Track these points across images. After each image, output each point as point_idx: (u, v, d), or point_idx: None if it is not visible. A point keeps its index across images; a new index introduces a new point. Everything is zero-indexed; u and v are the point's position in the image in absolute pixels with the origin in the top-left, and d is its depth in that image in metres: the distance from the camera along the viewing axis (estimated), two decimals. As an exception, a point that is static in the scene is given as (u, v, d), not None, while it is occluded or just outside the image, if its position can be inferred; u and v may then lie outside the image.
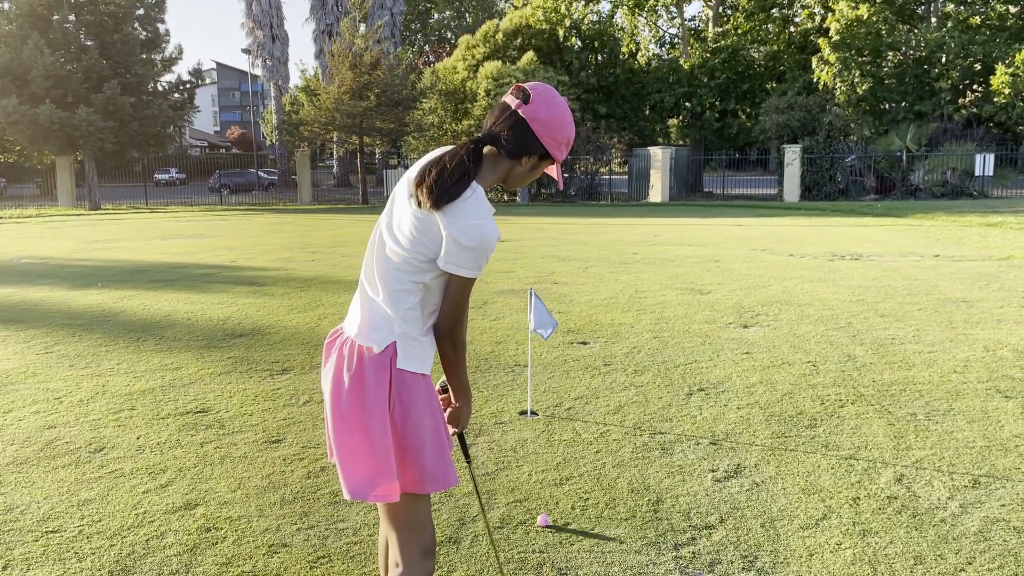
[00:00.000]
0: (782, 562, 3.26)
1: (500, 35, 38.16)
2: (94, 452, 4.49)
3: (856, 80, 34.32)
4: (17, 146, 39.05)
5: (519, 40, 38.19)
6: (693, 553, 3.34)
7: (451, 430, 2.45)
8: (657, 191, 32.79)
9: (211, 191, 42.52)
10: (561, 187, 2.43)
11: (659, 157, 32.88)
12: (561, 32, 39.20)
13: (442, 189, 2.13)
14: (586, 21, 42.07)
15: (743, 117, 41.77)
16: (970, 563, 3.22)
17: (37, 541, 3.46)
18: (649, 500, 3.83)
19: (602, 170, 34.92)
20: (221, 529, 3.58)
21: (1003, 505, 3.72)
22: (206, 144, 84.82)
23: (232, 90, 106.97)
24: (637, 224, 19.63)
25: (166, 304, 8.83)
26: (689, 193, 35.51)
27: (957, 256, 11.88)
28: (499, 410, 5.15)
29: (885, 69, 35.51)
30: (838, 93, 34.66)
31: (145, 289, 9.97)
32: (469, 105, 34.85)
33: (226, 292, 9.63)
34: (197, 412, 5.16)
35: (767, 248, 13.47)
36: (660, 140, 43.10)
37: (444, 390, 2.46)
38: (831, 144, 31.09)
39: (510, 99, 2.22)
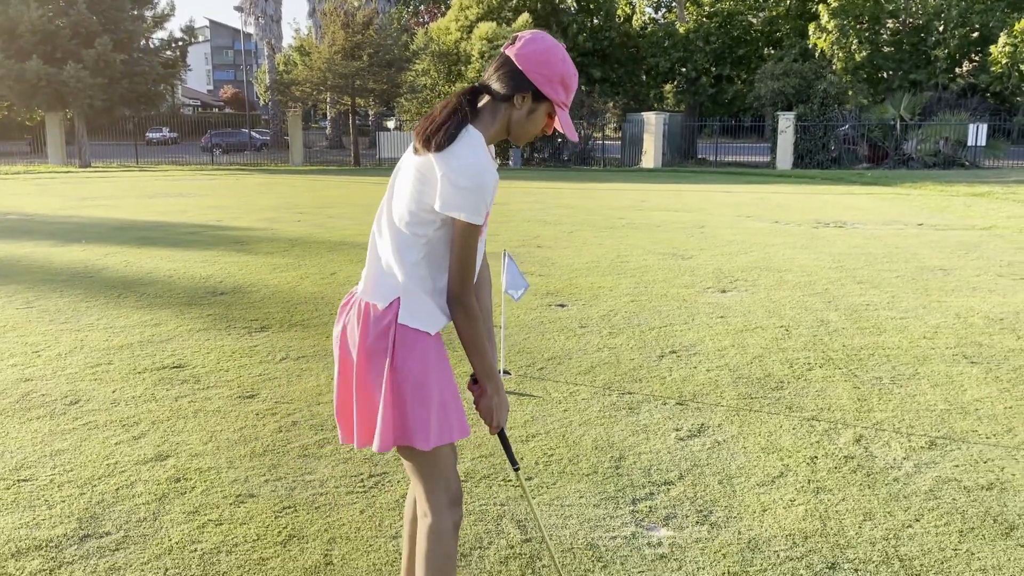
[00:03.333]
0: (735, 517, 3.35)
1: (495, -5, 37.65)
2: (69, 404, 4.55)
3: (854, 48, 34.08)
4: (5, 102, 38.64)
5: (514, 1, 37.72)
6: (650, 508, 3.43)
7: (489, 428, 2.35)
8: (650, 157, 32.70)
9: (203, 151, 42.18)
10: (574, 138, 2.24)
11: (653, 122, 32.73)
12: (556, -7, 38.69)
13: (436, 131, 2.11)
14: (582, -17, 41.51)
15: (738, 83, 41.48)
16: (918, 520, 3.31)
17: (8, 489, 3.53)
18: (612, 457, 3.91)
19: (596, 135, 34.77)
20: (190, 480, 3.65)
21: (956, 466, 3.81)
22: (199, 103, 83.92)
23: (225, 48, 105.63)
24: (626, 189, 19.62)
25: (149, 262, 8.85)
26: (683, 159, 35.43)
27: (940, 225, 11.94)
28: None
29: (883, 36, 35.24)
30: (835, 61, 34.43)
31: (129, 247, 9.98)
32: (463, 67, 34.52)
33: (209, 251, 9.64)
34: (174, 367, 5.21)
35: (753, 215, 13.51)
36: (655, 105, 42.89)
37: (475, 380, 2.32)
38: (825, 112, 30.98)
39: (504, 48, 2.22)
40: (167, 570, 2.93)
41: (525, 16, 35.30)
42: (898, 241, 10.34)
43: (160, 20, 35.55)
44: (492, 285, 2.55)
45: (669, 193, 18.28)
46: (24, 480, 3.61)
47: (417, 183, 2.15)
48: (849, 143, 31.60)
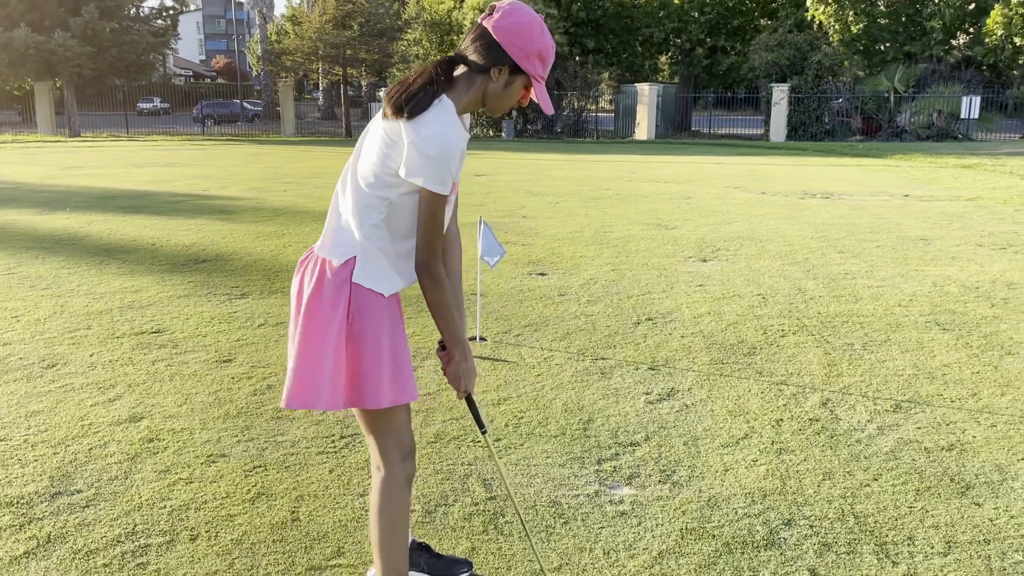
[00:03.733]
0: (697, 476, 3.41)
1: (488, -36, 37.27)
2: (46, 368, 4.59)
3: (850, 19, 33.87)
4: (-6, 71, 38.25)
5: (507, -30, 37.34)
6: (614, 468, 3.49)
7: (456, 393, 2.38)
8: (643, 128, 32.59)
9: (194, 121, 41.89)
10: (549, 111, 2.25)
11: (646, 94, 32.58)
12: (551, -37, 38.25)
13: (408, 98, 2.11)
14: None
15: (733, 54, 41.25)
16: (876, 479, 3.38)
17: (-18, 448, 3.58)
18: (580, 420, 3.97)
19: (589, 107, 34.61)
20: (163, 440, 3.70)
21: (919, 428, 3.88)
22: (191, 73, 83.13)
23: (218, 17, 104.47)
24: (617, 161, 19.58)
25: (132, 229, 8.85)
26: (676, 131, 35.33)
27: (926, 196, 11.97)
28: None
29: (879, 8, 35.01)
30: (832, 32, 34.24)
31: (113, 215, 9.96)
32: (455, 37, 34.23)
33: (194, 219, 9.64)
34: (152, 332, 5.24)
35: (741, 186, 13.52)
36: (649, 77, 42.63)
37: (443, 347, 2.34)
38: (819, 84, 30.88)
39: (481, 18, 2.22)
40: (136, 525, 2.98)
41: (518, -15, 34.95)
42: (882, 212, 10.38)
43: (150, -13, 35.10)
44: (463, 253, 2.58)
45: (659, 165, 18.25)
46: (-2, 440, 3.66)
47: (384, 147, 2.16)
48: (843, 115, 31.53)
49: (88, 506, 3.11)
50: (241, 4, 53.14)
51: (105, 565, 2.73)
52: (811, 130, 30.69)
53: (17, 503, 3.12)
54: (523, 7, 2.20)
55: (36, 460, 3.48)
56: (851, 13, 33.64)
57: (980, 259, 7.46)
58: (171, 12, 36.44)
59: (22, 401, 4.11)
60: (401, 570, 2.32)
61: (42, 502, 3.14)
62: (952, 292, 6.30)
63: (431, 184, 2.11)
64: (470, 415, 4.01)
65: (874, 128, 30.82)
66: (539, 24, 2.18)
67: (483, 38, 2.18)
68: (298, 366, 2.24)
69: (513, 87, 2.22)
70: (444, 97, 2.16)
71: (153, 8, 36.41)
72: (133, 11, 34.70)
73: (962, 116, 28.77)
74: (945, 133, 29.02)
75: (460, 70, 2.22)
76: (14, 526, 2.96)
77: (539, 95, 2.24)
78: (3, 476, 3.32)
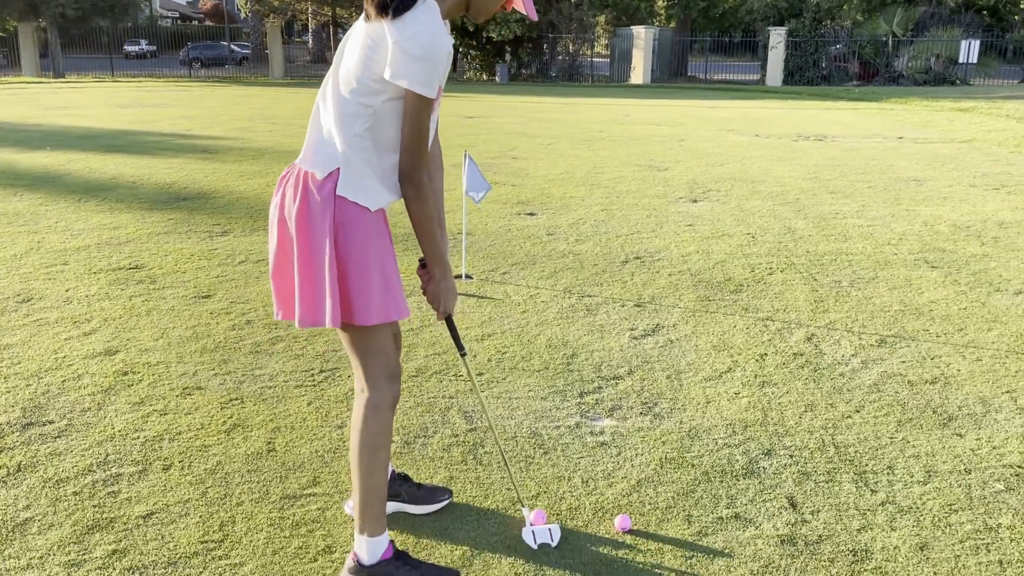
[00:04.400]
0: (679, 408, 3.38)
1: (481, -98, 36.20)
2: (21, 302, 4.51)
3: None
4: (-26, 11, 37.36)
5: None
6: (596, 400, 3.45)
7: (436, 314, 2.32)
8: (639, 73, 32.10)
9: (182, 64, 41.04)
10: (534, 17, 2.19)
11: (642, 37, 32.01)
12: (545, -100, 37.20)
13: None
14: None
15: (731, -3, 40.50)
16: (858, 411, 3.35)
17: (-47, 381, 3.52)
18: (564, 354, 3.92)
19: (584, 51, 34.02)
20: (138, 373, 3.64)
21: (903, 362, 3.85)
22: (178, 15, 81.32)
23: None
24: (611, 104, 19.31)
25: (113, 168, 8.68)
26: (672, 76, 34.81)
27: (920, 139, 11.84)
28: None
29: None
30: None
31: (94, 153, 9.77)
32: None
33: (176, 158, 9.47)
34: (130, 268, 5.16)
35: (734, 129, 13.34)
36: (646, 19, 41.87)
37: (423, 265, 2.29)
38: (817, 27, 30.38)
39: None
40: (108, 456, 2.94)
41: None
42: (876, 154, 10.26)
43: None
44: (449, 192, 2.48)
45: (653, 108, 18.01)
46: (-30, 372, 3.60)
47: (367, 50, 2.05)
48: (840, 60, 31.09)
49: (60, 436, 3.07)
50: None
51: (75, 493, 2.69)
52: (808, 75, 30.29)
53: (-12, 433, 3.07)
54: None
55: (8, 392, 3.42)
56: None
57: (972, 199, 7.39)
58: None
59: (-4, 335, 4.04)
60: (379, 494, 2.26)
61: (13, 432, 3.09)
62: (942, 231, 6.23)
63: (417, 86, 2.01)
64: (453, 350, 3.96)
65: (871, 73, 30.42)
66: None
67: None
68: (304, 285, 2.16)
69: None
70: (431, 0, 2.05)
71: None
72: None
73: (960, 61, 28.40)
74: (943, 78, 28.67)
75: None
76: (-16, 456, 2.91)
77: (523, 5, 2.16)
78: (-26, 407, 3.27)
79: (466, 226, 5.61)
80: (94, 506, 2.62)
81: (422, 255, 2.27)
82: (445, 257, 2.26)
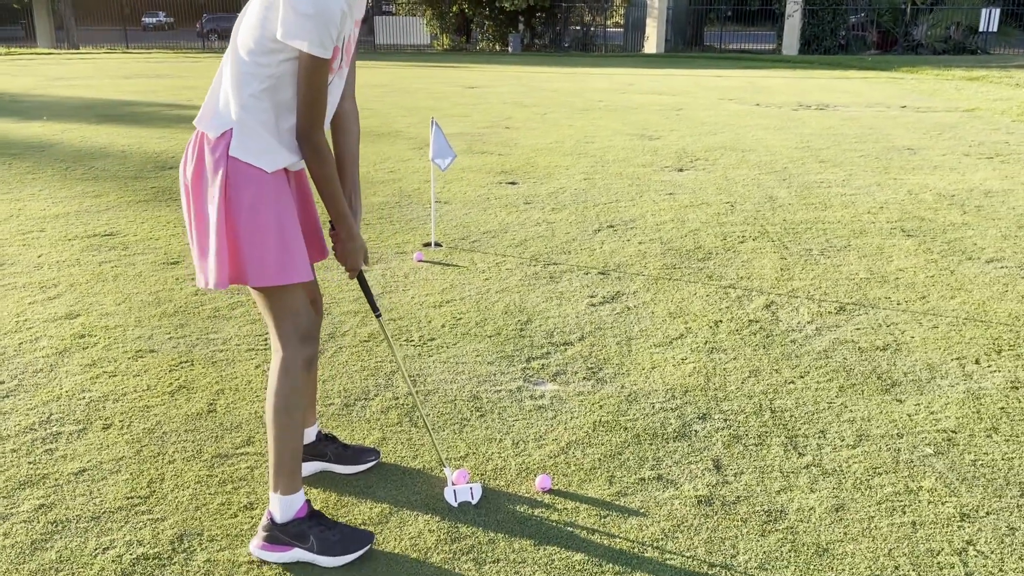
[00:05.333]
0: (623, 373, 3.39)
1: None
2: (-8, 268, 4.59)
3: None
4: (-11, -18, 37.50)
5: None
6: (542, 366, 3.47)
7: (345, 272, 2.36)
8: (652, 42, 31.71)
9: (198, 36, 40.95)
10: None
11: (655, 7, 31.58)
12: None
13: None
14: None
15: (748, -35, 39.76)
16: (802, 377, 3.35)
17: (-87, 343, 3.59)
18: (519, 321, 3.94)
19: (598, 20, 33.65)
20: (95, 336, 3.70)
21: (857, 329, 3.83)
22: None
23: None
24: (617, 74, 19.12)
25: (105, 137, 8.75)
26: (688, 46, 34.36)
27: (923, 108, 11.65)
28: (404, 241, 5.20)
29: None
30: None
31: (88, 123, 9.84)
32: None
33: (169, 128, 9.51)
34: (105, 235, 5.21)
35: (736, 98, 13.18)
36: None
37: (334, 226, 2.29)
38: (834, -6, 29.80)
39: None
40: (51, 415, 3.00)
41: None
42: (874, 123, 10.12)
43: None
44: (360, 132, 2.48)
45: (659, 78, 17.81)
46: (-69, 335, 3.67)
47: (263, 9, 2.04)
48: (858, 29, 30.54)
49: (8, 396, 3.13)
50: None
51: (13, 451, 2.76)
52: (825, 44, 29.76)
53: (-63, 393, 3.14)
54: None
55: (-36, 354, 3.49)
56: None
57: (963, 168, 7.28)
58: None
59: (-38, 299, 4.11)
60: (293, 451, 2.29)
61: (-37, 393, 3.16)
62: (926, 200, 6.16)
63: (309, 45, 2.00)
64: (404, 316, 3.99)
65: (890, 42, 29.86)
66: None
67: None
68: (199, 246, 2.18)
69: None
70: None
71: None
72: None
73: (980, 29, 27.79)
74: (962, 47, 28.08)
75: None
76: (-69, 414, 2.99)
77: None
78: (-72, 368, 3.34)
79: (435, 194, 5.61)
80: (29, 463, 2.69)
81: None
82: (349, 216, 2.27)
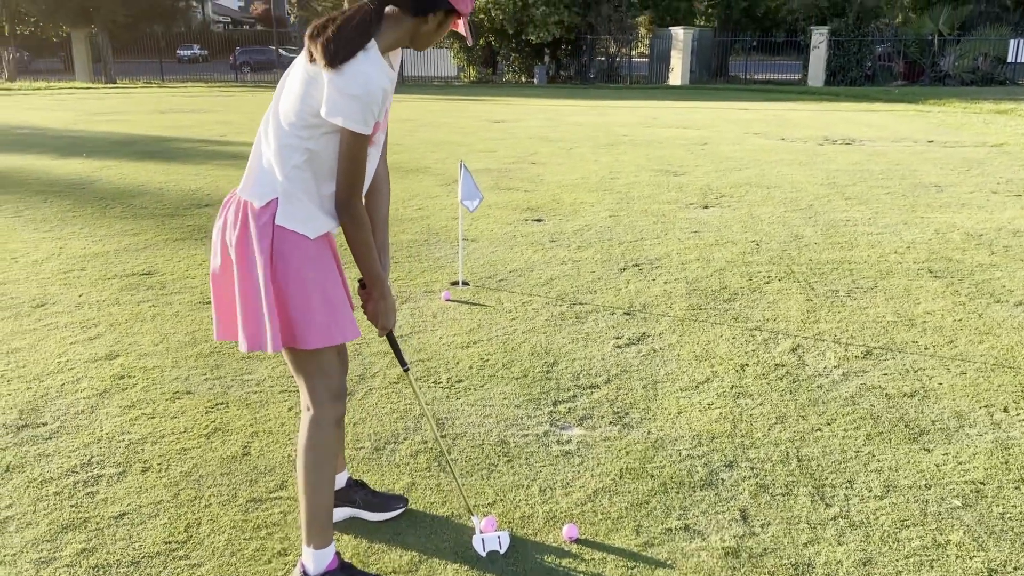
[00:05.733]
0: (649, 418, 3.42)
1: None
2: (35, 307, 4.72)
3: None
4: (32, 16, 38.68)
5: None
6: (569, 409, 3.51)
7: (377, 331, 2.43)
8: (677, 74, 31.93)
9: (231, 68, 41.89)
10: (470, 43, 2.33)
11: (680, 38, 31.85)
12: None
13: (339, 45, 2.07)
14: None
15: (773, -3, 39.98)
16: (828, 424, 3.36)
17: (-40, 383, 3.72)
18: (545, 363, 3.99)
19: (623, 51, 33.94)
20: (134, 377, 3.81)
21: (884, 374, 3.83)
22: (229, 20, 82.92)
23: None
24: (641, 107, 19.25)
25: (142, 174, 8.98)
26: (713, 77, 34.54)
27: (951, 142, 11.61)
28: (432, 280, 5.29)
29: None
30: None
31: (127, 160, 10.11)
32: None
33: (204, 164, 9.74)
34: (143, 274, 5.35)
35: (761, 132, 13.23)
36: (684, 20, 41.58)
37: (363, 285, 2.39)
38: (860, 27, 29.85)
39: None
40: (92, 457, 3.09)
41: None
42: (901, 158, 10.10)
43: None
44: (391, 196, 2.58)
45: (683, 111, 17.91)
46: (-23, 375, 3.80)
47: (306, 85, 2.13)
48: (885, 60, 30.52)
49: (51, 438, 3.23)
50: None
51: (56, 494, 2.85)
52: (851, 75, 29.78)
53: (-16, 434, 3.25)
54: None
55: (9, 395, 3.60)
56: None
57: (991, 206, 7.25)
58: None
59: (6, 338, 4.24)
60: (325, 507, 2.36)
61: (8, 434, 3.26)
62: (953, 239, 6.15)
63: (352, 124, 2.09)
64: (432, 357, 4.06)
65: (916, 73, 29.82)
66: None
67: None
68: (246, 311, 2.26)
69: (444, 26, 2.22)
70: (373, 43, 2.12)
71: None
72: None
73: (1009, 60, 27.66)
74: (990, 78, 27.96)
75: (390, 9, 2.19)
76: (-23, 455, 3.09)
77: (464, 28, 2.24)
78: (-25, 409, 3.46)
79: (462, 234, 5.70)
80: (71, 506, 2.77)
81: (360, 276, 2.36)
82: (382, 277, 2.35)
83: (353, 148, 2.13)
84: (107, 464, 3.04)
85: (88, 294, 4.96)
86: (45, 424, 3.35)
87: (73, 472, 2.99)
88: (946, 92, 22.51)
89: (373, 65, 2.10)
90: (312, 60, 2.13)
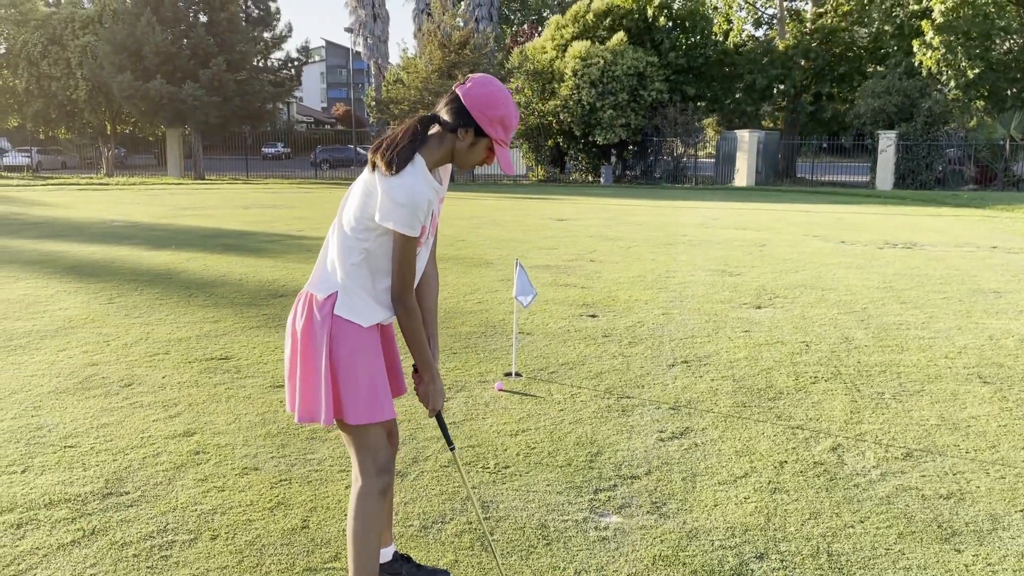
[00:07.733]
0: (686, 509, 3.57)
1: (590, 15, 38.07)
2: (123, 387, 5.16)
3: (964, 65, 32.70)
4: (131, 118, 41.81)
5: (608, 20, 37.99)
6: (608, 498, 3.69)
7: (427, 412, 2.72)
8: (743, 175, 32.32)
9: (311, 165, 44.15)
10: (511, 171, 2.61)
11: (746, 140, 32.37)
12: (651, 11, 38.78)
13: (393, 154, 2.46)
14: (677, 1, 41.47)
15: (839, 100, 40.43)
16: (862, 521, 3.45)
17: (55, 453, 4.10)
18: (589, 452, 4.18)
19: (689, 151, 34.62)
20: (208, 453, 4.14)
21: (923, 476, 3.90)
22: (312, 120, 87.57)
23: (339, 67, 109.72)
24: (705, 208, 19.57)
25: (225, 266, 9.61)
26: (780, 178, 34.82)
27: (1016, 248, 11.53)
28: (486, 370, 5.56)
29: (994, 54, 33.68)
30: (944, 78, 33.12)
31: (210, 252, 10.83)
32: (556, 85, 35.06)
33: (281, 257, 10.37)
34: (221, 359, 5.78)
35: (820, 235, 13.34)
36: (751, 123, 42.30)
37: (416, 370, 2.66)
38: (929, 131, 29.89)
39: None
40: (168, 524, 3.39)
41: (620, 35, 35.57)
42: (961, 263, 10.09)
43: (278, 41, 37.78)
44: (439, 290, 2.90)
45: (745, 212, 18.15)
46: (70, 447, 4.18)
47: (364, 196, 2.53)
48: (955, 164, 30.36)
49: (132, 506, 3.56)
50: (360, 54, 55.85)
51: (135, 556, 3.14)
52: (920, 178, 29.67)
53: (74, 500, 3.60)
54: (491, 80, 2.55)
55: (97, 465, 3.97)
56: (963, 59, 32.49)
57: (1051, 313, 7.22)
58: (295, 64, 38.98)
59: (96, 414, 4.65)
60: (370, 571, 2.62)
61: (95, 500, 3.60)
62: (1007, 345, 6.15)
63: (401, 227, 2.45)
64: (481, 443, 4.29)
65: (989, 177, 29.52)
66: (504, 95, 2.51)
67: (455, 103, 2.54)
68: (304, 388, 2.61)
69: (478, 147, 2.56)
70: (419, 157, 2.51)
71: (279, 60, 39.00)
72: (260, 62, 37.28)
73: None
74: (1066, 182, 27.49)
75: (434, 128, 2.57)
76: (67, 519, 3.42)
77: (500, 156, 2.58)
78: (67, 477, 3.82)
79: (517, 326, 5.98)
80: (147, 567, 3.06)
81: (415, 362, 2.66)
82: (433, 363, 2.65)
83: (404, 248, 2.48)
84: (180, 531, 3.34)
85: (171, 376, 5.39)
86: (127, 493, 3.68)
87: (151, 537, 3.28)
88: (1018, 198, 22.23)
89: (417, 178, 2.48)
90: (373, 169, 2.51)
